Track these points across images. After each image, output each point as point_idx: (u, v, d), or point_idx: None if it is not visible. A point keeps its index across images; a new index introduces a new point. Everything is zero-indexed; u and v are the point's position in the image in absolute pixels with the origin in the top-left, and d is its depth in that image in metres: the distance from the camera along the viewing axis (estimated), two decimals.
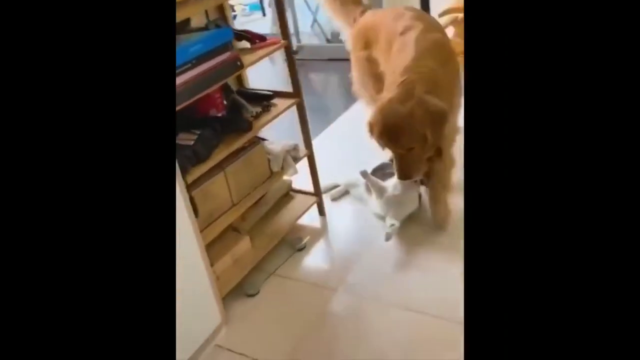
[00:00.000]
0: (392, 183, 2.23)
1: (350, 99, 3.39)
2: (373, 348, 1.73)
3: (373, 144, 2.05)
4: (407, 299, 1.88)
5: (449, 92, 2.01)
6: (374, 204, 2.29)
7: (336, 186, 2.53)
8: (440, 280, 1.93)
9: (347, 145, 2.90)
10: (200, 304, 1.80)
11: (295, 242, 2.25)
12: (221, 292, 1.89)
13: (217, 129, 1.87)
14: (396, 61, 2.01)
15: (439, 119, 1.89)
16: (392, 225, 2.14)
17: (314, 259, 2.21)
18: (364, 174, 2.28)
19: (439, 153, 2.07)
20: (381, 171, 2.39)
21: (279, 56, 4.09)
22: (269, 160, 2.12)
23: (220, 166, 1.90)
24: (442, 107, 1.89)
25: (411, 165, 1.97)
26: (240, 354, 1.80)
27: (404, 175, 1.99)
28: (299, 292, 2.05)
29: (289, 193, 2.40)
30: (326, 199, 2.47)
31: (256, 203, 2.19)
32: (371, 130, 1.99)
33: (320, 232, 2.34)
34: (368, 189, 2.33)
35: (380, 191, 2.25)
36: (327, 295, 2.01)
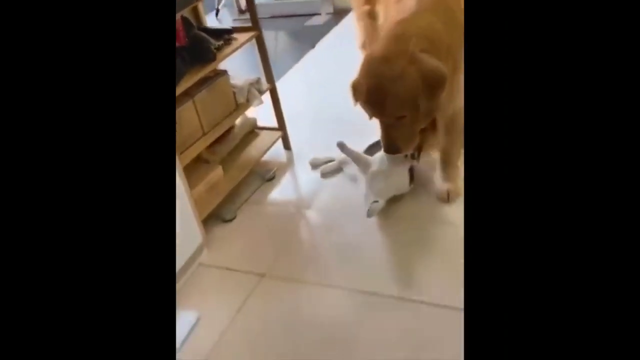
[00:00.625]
0: (378, 156, 1.96)
1: (300, 51, 3.51)
2: (348, 256, 1.85)
3: (359, 110, 1.74)
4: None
5: (452, 54, 1.66)
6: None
7: (330, 161, 2.29)
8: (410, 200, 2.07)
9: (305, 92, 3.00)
10: (182, 225, 1.86)
11: (264, 173, 2.33)
12: (199, 217, 1.96)
13: (185, 58, 1.93)
14: (393, 13, 1.74)
15: (436, 84, 1.57)
16: (375, 202, 1.88)
17: (284, 187, 2.31)
18: (341, 145, 2.09)
19: (434, 125, 1.83)
20: (379, 147, 2.04)
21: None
22: (234, 93, 2.19)
23: (188, 94, 1.97)
24: (440, 70, 1.57)
25: (400, 137, 1.69)
26: (225, 268, 1.88)
27: (390, 149, 1.73)
28: (273, 216, 2.15)
29: (254, 131, 2.48)
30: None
31: (224, 137, 2.26)
32: (354, 94, 1.70)
33: (287, 165, 2.44)
34: (362, 166, 2.04)
35: (365, 165, 2.01)
36: (299, 217, 2.12)
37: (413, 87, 1.56)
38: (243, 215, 2.15)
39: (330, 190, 2.19)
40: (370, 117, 1.71)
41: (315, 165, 2.31)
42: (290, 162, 2.45)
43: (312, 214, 2.10)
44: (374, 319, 1.58)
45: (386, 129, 1.70)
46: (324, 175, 2.27)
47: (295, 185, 2.36)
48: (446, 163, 1.94)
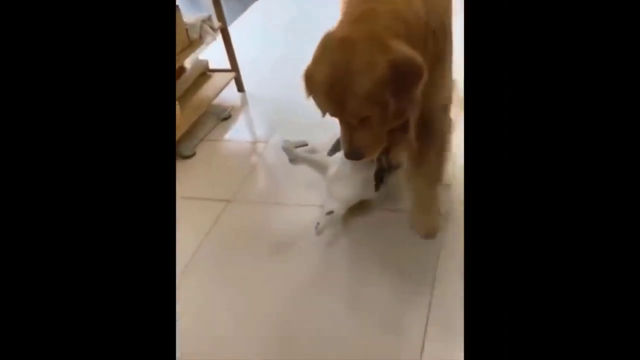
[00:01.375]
0: (339, 156, 1.64)
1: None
2: (308, 180, 1.90)
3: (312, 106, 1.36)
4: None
5: (432, 39, 1.34)
6: None
7: (303, 144, 1.99)
8: None
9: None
10: None
11: (219, 113, 2.34)
12: None
13: None
14: None
15: (410, 79, 1.23)
16: (330, 212, 1.57)
17: (240, 126, 2.32)
18: (287, 150, 1.93)
19: (405, 127, 1.43)
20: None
21: None
22: (186, 30, 2.17)
23: None
24: (415, 61, 1.21)
25: (363, 142, 1.34)
26: (189, 197, 1.89)
27: (352, 155, 1.37)
28: (232, 151, 2.17)
29: (206, 73, 2.46)
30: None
31: (177, 77, 2.24)
32: (307, 85, 1.32)
33: (242, 106, 2.44)
34: (319, 169, 1.80)
35: (322, 167, 1.77)
36: (258, 149, 2.15)
37: (381, 82, 1.20)
38: (202, 151, 2.15)
39: (286, 127, 2.23)
40: (324, 115, 1.34)
41: (285, 146, 1.99)
42: (244, 103, 2.46)
43: (270, 149, 2.13)
44: (342, 229, 1.65)
45: (347, 130, 1.33)
46: (293, 160, 1.96)
47: (250, 124, 2.37)
48: (420, 183, 1.59)
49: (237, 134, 2.27)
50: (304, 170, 1.93)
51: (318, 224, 1.55)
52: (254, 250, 1.65)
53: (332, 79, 1.23)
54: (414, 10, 1.28)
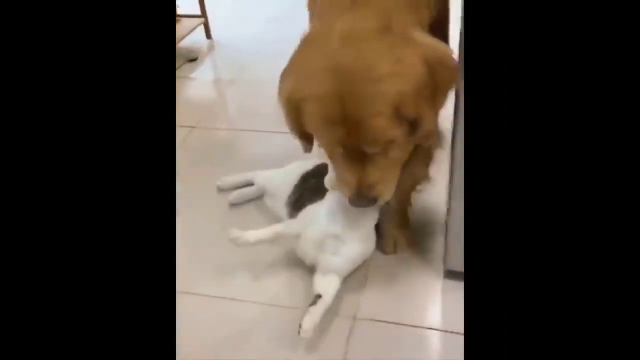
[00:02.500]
0: (323, 212, 1.21)
1: None
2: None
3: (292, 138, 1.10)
4: None
5: (440, 24, 1.05)
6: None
7: (249, 184, 1.57)
8: None
9: None
10: None
11: (187, 54, 2.43)
12: None
13: None
14: None
15: (445, 80, 0.92)
16: (318, 297, 1.15)
17: (206, 66, 2.43)
18: (221, 185, 1.59)
19: (428, 152, 1.12)
20: (317, 179, 1.29)
21: None
22: None
23: None
24: (447, 54, 0.92)
25: (380, 177, 0.98)
26: None
27: (363, 197, 1.00)
28: (197, 88, 2.28)
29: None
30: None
31: None
32: (292, 112, 0.97)
33: (208, 51, 2.54)
34: (293, 207, 1.32)
35: (287, 228, 1.26)
36: (223, 90, 2.27)
37: (417, 87, 0.88)
38: None
39: (256, 65, 2.34)
40: (310, 150, 1.04)
41: (225, 187, 1.60)
42: (211, 48, 2.56)
43: (235, 88, 2.24)
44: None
45: (354, 163, 0.96)
46: (234, 203, 1.55)
47: (216, 66, 2.48)
48: (402, 199, 1.28)
49: (202, 73, 2.37)
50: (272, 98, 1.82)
51: (300, 326, 1.08)
52: (220, 169, 1.72)
53: (342, 91, 0.86)
54: None
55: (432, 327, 1.17)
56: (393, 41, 0.87)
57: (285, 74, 0.98)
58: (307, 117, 0.93)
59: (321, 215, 1.20)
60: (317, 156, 1.19)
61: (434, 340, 1.16)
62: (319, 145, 1.03)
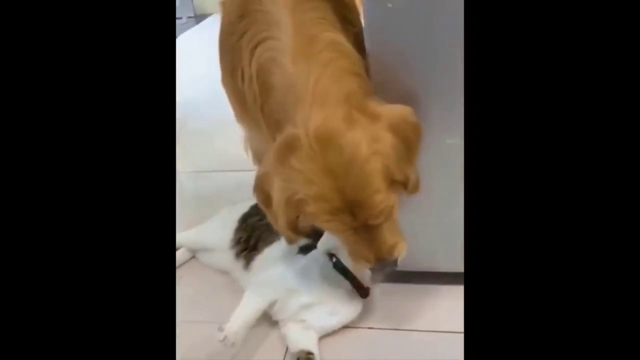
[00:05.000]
0: (307, 267, 1.20)
1: None
2: None
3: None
4: None
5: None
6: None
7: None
8: None
9: None
10: None
11: None
12: None
13: None
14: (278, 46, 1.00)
15: (415, 136, 1.01)
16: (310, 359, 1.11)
17: None
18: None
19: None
20: (260, 217, 1.28)
21: None
22: None
23: None
24: (410, 115, 1.00)
25: (394, 237, 1.03)
26: None
27: (386, 260, 1.04)
28: None
29: None
30: None
31: None
32: (291, 205, 0.98)
33: None
34: (244, 259, 1.27)
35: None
36: None
37: (394, 157, 0.97)
38: None
39: None
40: (339, 235, 1.03)
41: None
42: None
43: None
44: None
45: (367, 237, 1.01)
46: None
47: None
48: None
49: None
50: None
51: None
52: None
53: (339, 186, 0.93)
54: (349, 52, 1.03)
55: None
56: (361, 125, 0.95)
57: (267, 178, 1.01)
58: (311, 216, 0.98)
59: (316, 272, 1.18)
60: (249, 199, 1.18)
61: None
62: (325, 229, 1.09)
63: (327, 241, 1.18)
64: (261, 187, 1.03)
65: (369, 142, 0.94)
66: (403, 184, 1.01)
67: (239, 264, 1.23)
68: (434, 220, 1.18)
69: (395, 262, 1.04)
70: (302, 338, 1.13)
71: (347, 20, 1.11)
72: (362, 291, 1.20)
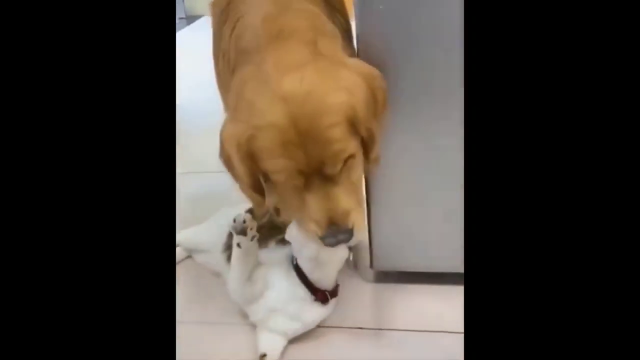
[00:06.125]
0: (284, 268, 1.15)
1: None
2: None
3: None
4: None
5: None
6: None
7: None
8: None
9: None
10: None
11: None
12: None
13: None
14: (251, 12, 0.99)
15: (383, 96, 0.95)
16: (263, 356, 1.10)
17: None
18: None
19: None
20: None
21: None
22: None
23: None
24: (377, 72, 0.95)
25: (349, 202, 0.92)
26: None
27: (338, 228, 0.91)
28: None
29: None
30: None
31: None
32: (244, 147, 0.89)
33: None
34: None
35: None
36: None
37: (360, 101, 0.89)
38: None
39: None
40: (289, 187, 0.91)
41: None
42: None
43: None
44: None
45: (320, 193, 0.90)
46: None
47: None
48: None
49: None
50: None
51: None
52: None
53: (295, 115, 0.84)
54: (316, 15, 0.99)
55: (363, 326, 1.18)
56: (329, 63, 0.89)
57: (228, 124, 0.93)
58: (262, 152, 0.88)
59: (280, 275, 1.13)
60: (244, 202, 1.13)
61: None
62: (274, 189, 0.95)
63: (292, 229, 1.10)
64: (223, 146, 0.93)
65: (335, 78, 0.87)
66: (364, 143, 0.92)
67: (230, 268, 1.19)
68: (433, 220, 1.18)
69: (350, 234, 0.91)
70: (265, 341, 1.12)
71: (335, 10, 1.09)
72: (318, 296, 1.12)
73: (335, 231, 0.90)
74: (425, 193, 1.14)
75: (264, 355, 1.09)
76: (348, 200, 0.91)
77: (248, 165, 0.90)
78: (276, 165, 0.88)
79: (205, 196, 1.72)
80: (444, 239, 1.16)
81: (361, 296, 1.26)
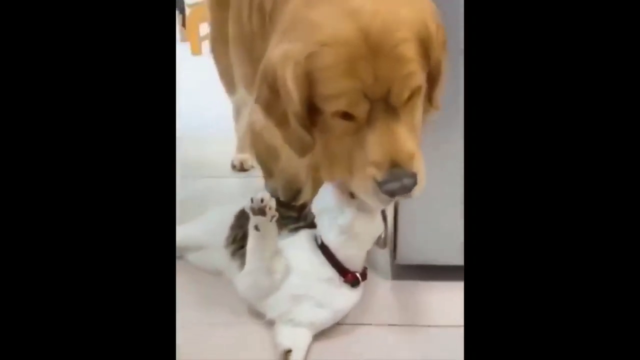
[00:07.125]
0: (307, 249, 1.03)
1: None
2: None
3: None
4: None
5: None
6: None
7: None
8: None
9: None
10: None
11: None
12: None
13: None
14: None
15: (442, 35, 0.87)
16: (287, 358, 0.97)
17: None
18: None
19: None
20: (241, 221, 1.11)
21: None
22: None
23: None
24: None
25: (412, 144, 0.83)
26: None
27: (407, 171, 0.81)
28: None
29: None
30: None
31: None
32: (303, 68, 0.80)
33: None
34: (240, 259, 1.07)
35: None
36: None
37: (430, 20, 0.83)
38: None
39: None
40: (351, 112, 0.81)
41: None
42: None
43: None
44: None
45: (383, 128, 0.81)
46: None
47: None
48: None
49: None
50: None
51: None
52: None
53: (363, 29, 0.76)
54: None
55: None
56: None
57: (278, 45, 0.82)
58: (325, 71, 0.78)
59: (303, 257, 1.01)
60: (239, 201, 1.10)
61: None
62: (324, 132, 0.84)
63: (322, 198, 1.01)
64: (270, 70, 0.83)
65: None
66: (430, 78, 0.84)
67: (235, 263, 1.09)
68: (434, 213, 1.14)
69: (415, 180, 0.80)
70: (288, 336, 0.99)
71: None
72: (348, 277, 1.01)
73: (398, 174, 0.80)
74: (443, 188, 1.08)
75: (288, 351, 0.96)
76: (412, 141, 0.81)
77: (304, 89, 0.80)
78: (339, 87, 0.78)
79: (202, 200, 1.68)
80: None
81: (383, 292, 1.17)
